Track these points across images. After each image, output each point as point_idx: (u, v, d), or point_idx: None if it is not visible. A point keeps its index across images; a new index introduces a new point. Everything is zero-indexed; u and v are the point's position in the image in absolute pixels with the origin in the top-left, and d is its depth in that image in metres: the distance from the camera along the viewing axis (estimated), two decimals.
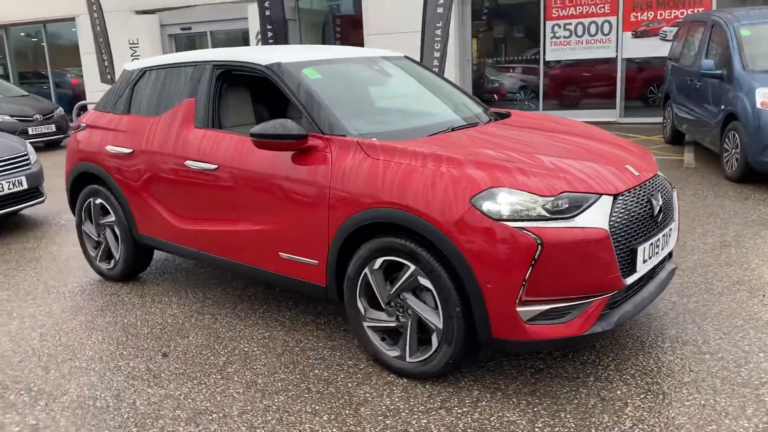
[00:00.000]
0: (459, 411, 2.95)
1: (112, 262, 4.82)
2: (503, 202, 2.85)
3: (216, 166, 3.83)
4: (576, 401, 2.98)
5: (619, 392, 3.04)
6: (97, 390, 3.29)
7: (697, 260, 4.71)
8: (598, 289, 2.92)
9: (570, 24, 12.44)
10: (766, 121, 6.58)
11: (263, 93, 4.65)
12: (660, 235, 3.24)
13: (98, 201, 4.75)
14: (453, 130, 3.70)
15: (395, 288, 3.17)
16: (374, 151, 3.25)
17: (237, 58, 3.99)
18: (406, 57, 4.65)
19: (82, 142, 4.80)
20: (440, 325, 3.04)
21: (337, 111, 3.56)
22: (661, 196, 3.32)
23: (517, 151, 3.24)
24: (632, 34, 12.06)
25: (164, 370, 3.46)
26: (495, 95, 13.74)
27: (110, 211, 4.68)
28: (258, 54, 3.95)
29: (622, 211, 3.02)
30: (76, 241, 6.03)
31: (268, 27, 12.32)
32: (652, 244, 3.16)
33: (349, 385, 3.23)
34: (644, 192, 3.21)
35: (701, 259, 4.73)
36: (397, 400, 3.07)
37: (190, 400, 3.15)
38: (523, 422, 2.84)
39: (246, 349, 3.66)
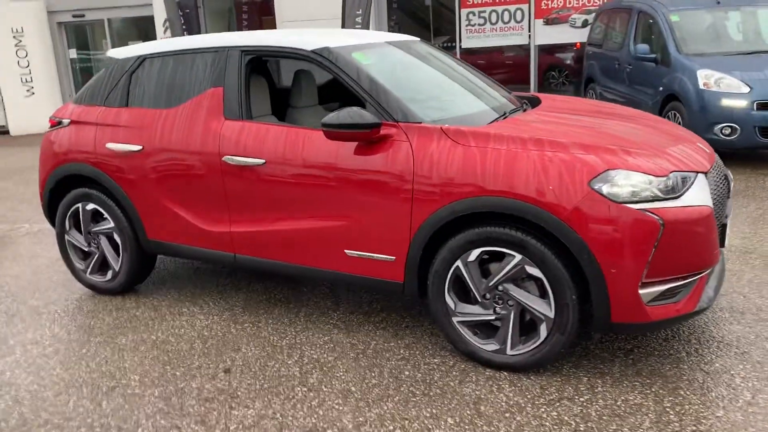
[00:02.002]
0: (581, 400, 2.90)
1: (109, 273, 4.30)
2: (622, 184, 2.81)
3: (263, 161, 3.50)
4: (685, 377, 3.02)
5: (717, 365, 3.12)
6: (174, 418, 2.92)
7: None
8: (703, 265, 2.97)
9: (484, 12, 12.70)
10: (710, 101, 7.04)
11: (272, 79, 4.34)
12: (730, 209, 3.35)
13: (90, 206, 4.22)
14: (507, 114, 3.61)
15: (495, 279, 3.06)
16: (463, 137, 3.10)
17: (275, 44, 3.66)
18: (421, 41, 4.50)
19: (66, 141, 4.23)
20: (551, 315, 2.97)
21: (403, 97, 3.36)
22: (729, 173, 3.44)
23: (602, 134, 3.22)
24: (543, 22, 12.51)
25: (238, 388, 3.13)
26: None
27: (107, 216, 4.17)
28: (297, 38, 3.64)
29: (713, 187, 3.09)
30: (32, 253, 5.39)
31: (180, 14, 11.60)
32: (728, 217, 3.26)
33: (451, 384, 3.08)
34: (720, 169, 3.31)
35: None
36: (511, 395, 2.97)
37: (290, 418, 2.87)
38: (650, 403, 2.84)
39: (315, 356, 3.40)
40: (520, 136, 3.03)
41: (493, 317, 3.13)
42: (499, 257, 3.05)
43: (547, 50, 12.86)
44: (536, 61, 12.77)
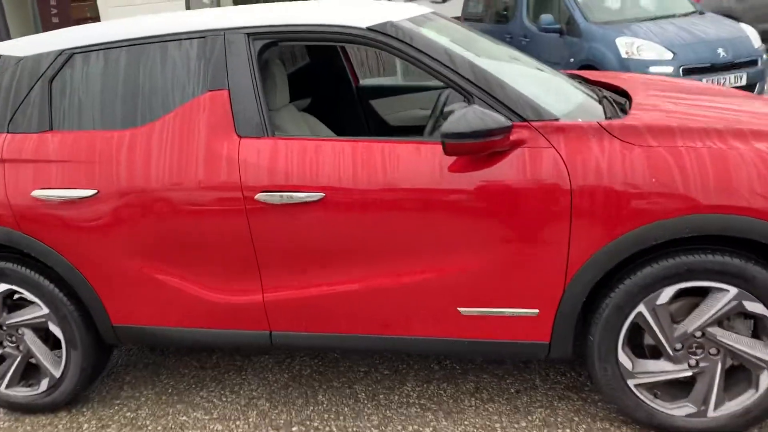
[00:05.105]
0: None
1: (44, 383, 2.85)
2: None
3: (321, 195, 2.35)
4: None
5: None
6: None
7: None
8: None
9: None
10: (636, 70, 6.80)
11: None
12: None
13: (1, 288, 2.74)
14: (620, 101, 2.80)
15: (699, 323, 2.26)
16: (637, 135, 2.23)
17: (305, 21, 2.48)
18: (433, 13, 3.51)
19: None
20: None
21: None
22: None
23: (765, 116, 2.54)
24: None
25: None
26: None
27: (36, 300, 2.73)
28: (337, 13, 2.51)
29: None
30: None
31: None
32: None
33: None
34: None
35: None
36: None
37: None
38: None
39: None
40: (714, 128, 2.24)
41: (689, 373, 2.34)
42: (697, 293, 2.27)
43: None
44: None
